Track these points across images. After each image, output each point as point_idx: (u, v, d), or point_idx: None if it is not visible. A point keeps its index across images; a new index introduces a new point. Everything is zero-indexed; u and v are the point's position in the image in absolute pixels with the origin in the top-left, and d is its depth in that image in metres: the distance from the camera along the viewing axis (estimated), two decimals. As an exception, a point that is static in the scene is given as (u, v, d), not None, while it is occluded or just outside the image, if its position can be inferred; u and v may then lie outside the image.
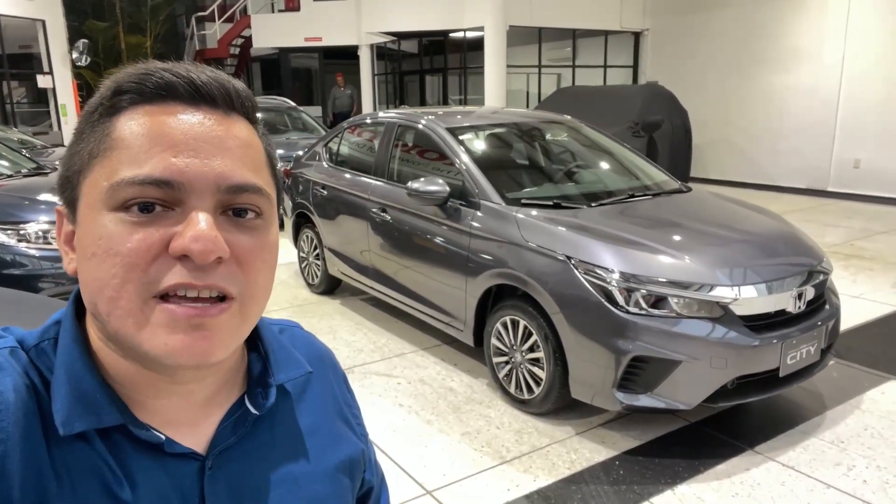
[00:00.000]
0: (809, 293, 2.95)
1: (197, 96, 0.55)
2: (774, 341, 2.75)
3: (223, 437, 0.62)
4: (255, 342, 0.69)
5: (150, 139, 0.52)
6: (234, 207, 0.55)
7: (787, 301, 2.85)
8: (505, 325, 3.25)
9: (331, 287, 5.08)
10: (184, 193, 0.52)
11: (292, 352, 0.72)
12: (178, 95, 0.54)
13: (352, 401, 0.81)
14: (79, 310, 0.60)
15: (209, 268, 0.52)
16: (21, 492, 0.51)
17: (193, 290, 0.52)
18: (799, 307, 2.90)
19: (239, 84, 0.59)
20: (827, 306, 3.09)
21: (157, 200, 0.52)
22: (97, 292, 0.53)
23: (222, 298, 0.54)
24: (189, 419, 0.61)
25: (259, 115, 0.62)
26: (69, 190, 0.56)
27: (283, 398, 0.69)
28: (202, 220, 0.52)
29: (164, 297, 0.52)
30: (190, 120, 0.54)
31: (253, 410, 0.64)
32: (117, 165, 0.52)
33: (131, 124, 0.53)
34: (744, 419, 3.14)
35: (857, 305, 4.67)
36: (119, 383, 0.57)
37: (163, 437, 0.57)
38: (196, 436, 0.61)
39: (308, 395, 0.73)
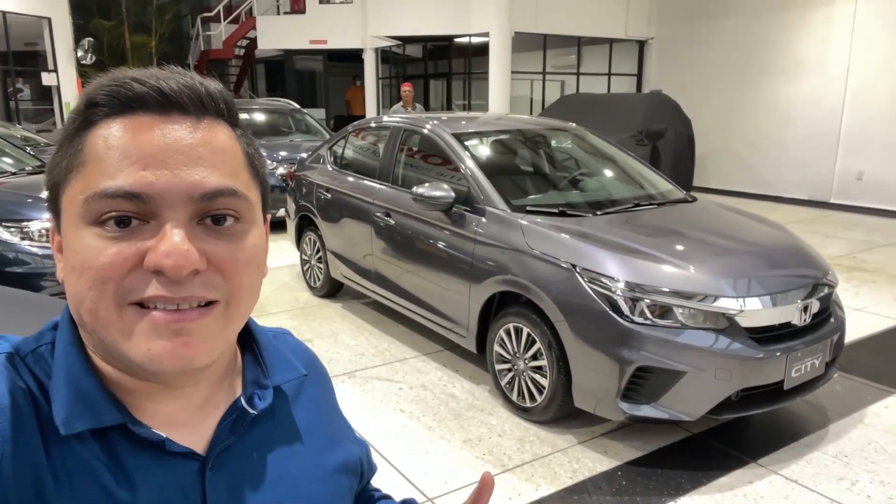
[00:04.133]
0: (815, 306, 2.94)
1: (167, 105, 0.55)
2: (779, 354, 2.74)
3: (222, 436, 0.62)
4: (250, 344, 0.69)
5: (120, 153, 0.53)
6: (212, 214, 0.55)
7: (792, 313, 2.84)
8: (508, 333, 3.24)
9: (333, 290, 5.07)
10: (156, 206, 0.53)
11: (286, 355, 0.72)
12: (148, 106, 0.54)
13: (339, 411, 0.83)
14: None
15: (185, 280, 0.53)
16: (18, 492, 0.51)
17: (172, 303, 0.53)
18: (804, 320, 2.88)
19: (212, 86, 0.58)
20: (832, 319, 3.07)
21: (131, 214, 0.52)
22: (78, 304, 0.54)
23: (206, 303, 0.55)
24: (186, 421, 0.61)
25: (241, 115, 0.62)
26: (52, 203, 0.58)
27: (279, 399, 0.69)
28: (175, 234, 0.52)
29: (145, 305, 0.53)
30: (160, 131, 0.54)
31: (250, 411, 0.64)
32: (90, 179, 0.53)
33: (102, 139, 0.54)
34: (747, 431, 3.13)
35: (859, 318, 4.66)
36: (116, 386, 0.58)
37: (163, 435, 0.58)
38: (194, 437, 0.61)
39: (303, 397, 0.74)
